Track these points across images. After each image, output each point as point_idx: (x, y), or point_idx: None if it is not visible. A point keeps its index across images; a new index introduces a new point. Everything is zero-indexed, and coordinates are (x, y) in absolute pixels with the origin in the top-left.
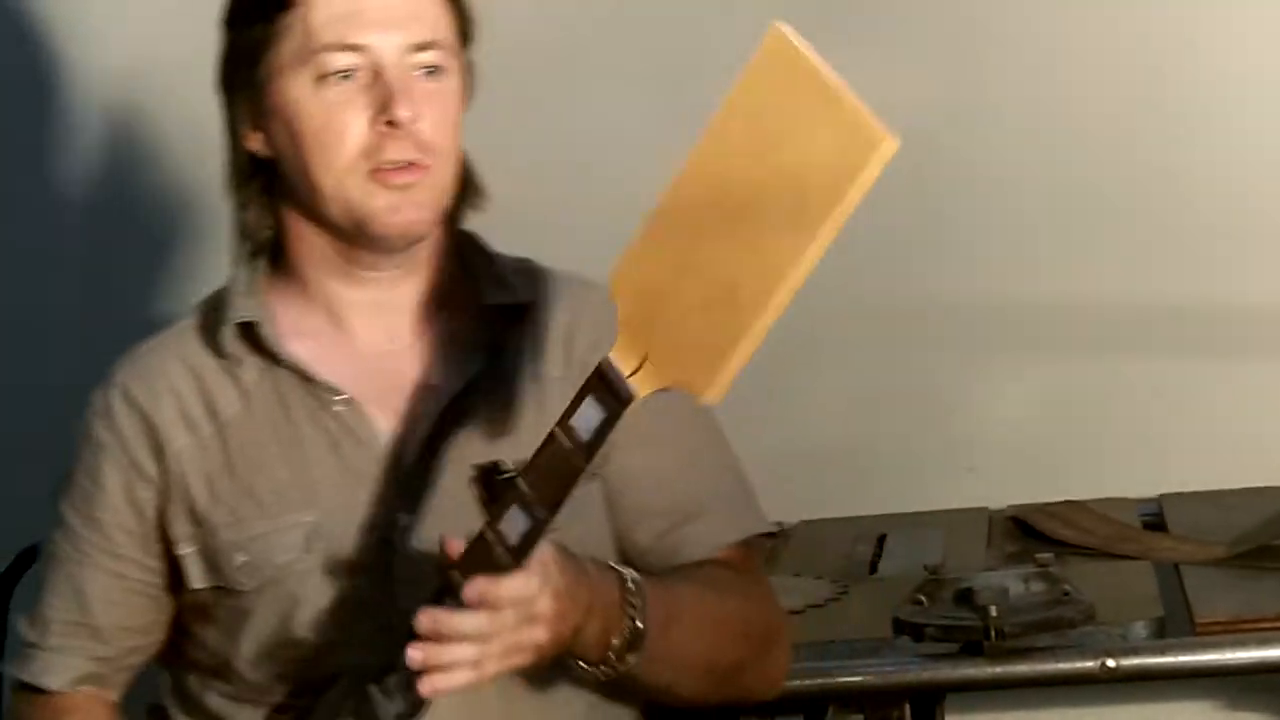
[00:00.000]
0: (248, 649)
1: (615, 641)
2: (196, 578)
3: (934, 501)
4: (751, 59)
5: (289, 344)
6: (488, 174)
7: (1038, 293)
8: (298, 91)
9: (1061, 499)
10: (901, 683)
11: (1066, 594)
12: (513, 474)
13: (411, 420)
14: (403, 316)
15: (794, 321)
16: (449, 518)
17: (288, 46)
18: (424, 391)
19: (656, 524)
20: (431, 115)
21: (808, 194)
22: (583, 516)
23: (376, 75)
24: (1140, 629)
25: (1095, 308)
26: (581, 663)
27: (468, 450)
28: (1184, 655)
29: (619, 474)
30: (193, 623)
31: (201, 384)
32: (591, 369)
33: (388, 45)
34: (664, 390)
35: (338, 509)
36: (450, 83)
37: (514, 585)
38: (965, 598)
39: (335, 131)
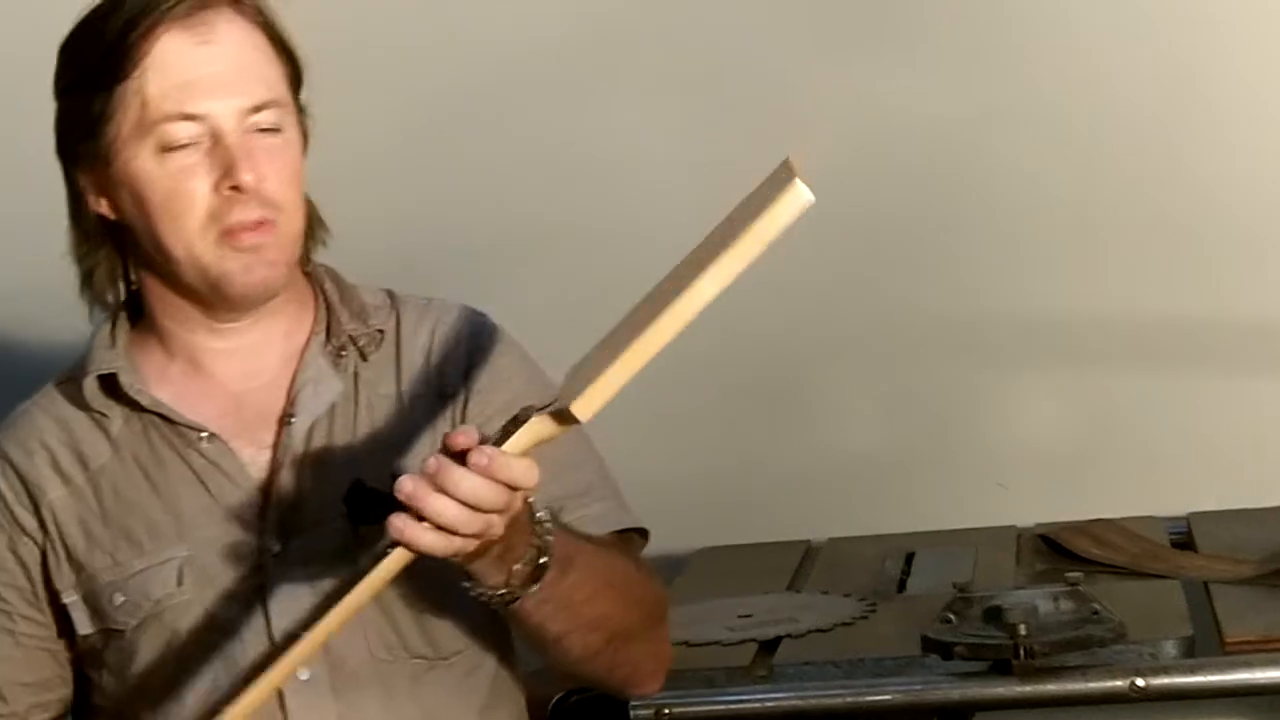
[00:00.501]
0: (137, 688)
1: (517, 568)
2: (83, 624)
3: (963, 519)
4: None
5: (152, 390)
6: (510, 185)
7: (1066, 310)
8: (140, 163)
9: (1090, 517)
10: (930, 701)
11: (1095, 612)
12: (379, 490)
13: (275, 450)
14: (263, 355)
15: (823, 338)
16: (318, 541)
17: (127, 118)
18: (286, 422)
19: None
20: (275, 173)
21: (727, 237)
22: None
23: (216, 140)
24: (1170, 648)
25: (1124, 325)
26: (480, 587)
27: (332, 473)
28: (1214, 674)
29: None
30: (90, 670)
31: (71, 436)
32: (449, 381)
33: (225, 111)
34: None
35: (209, 541)
36: (289, 135)
37: (522, 465)
38: (994, 616)
39: (182, 200)
